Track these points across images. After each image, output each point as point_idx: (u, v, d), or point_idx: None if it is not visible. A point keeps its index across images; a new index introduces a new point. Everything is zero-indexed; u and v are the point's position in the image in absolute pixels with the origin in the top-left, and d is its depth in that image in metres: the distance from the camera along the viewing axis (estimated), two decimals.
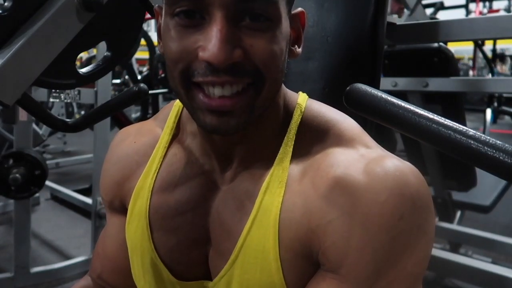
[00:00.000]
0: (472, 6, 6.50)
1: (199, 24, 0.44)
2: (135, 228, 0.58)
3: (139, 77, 3.71)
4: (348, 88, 0.58)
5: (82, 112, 5.01)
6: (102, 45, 0.98)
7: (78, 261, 2.28)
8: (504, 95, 3.15)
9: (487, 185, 2.31)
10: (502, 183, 2.34)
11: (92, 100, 2.24)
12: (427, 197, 0.46)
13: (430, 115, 0.53)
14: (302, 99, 0.56)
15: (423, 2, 1.88)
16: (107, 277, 0.65)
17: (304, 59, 0.94)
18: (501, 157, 0.47)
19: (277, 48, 0.46)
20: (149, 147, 0.60)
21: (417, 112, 0.53)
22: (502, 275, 1.59)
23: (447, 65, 1.93)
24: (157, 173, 0.58)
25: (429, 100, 2.05)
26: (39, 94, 2.12)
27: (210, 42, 0.42)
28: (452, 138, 0.50)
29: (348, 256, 0.44)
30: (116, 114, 2.64)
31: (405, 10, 1.91)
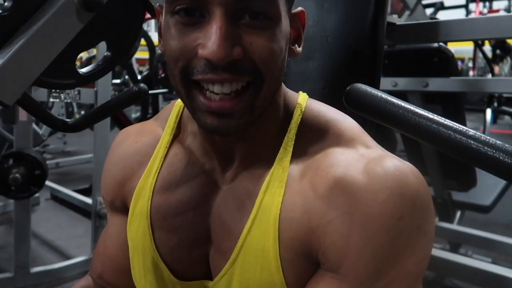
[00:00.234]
0: (472, 6, 6.50)
1: (199, 22, 0.44)
2: (136, 228, 0.58)
3: (139, 77, 3.71)
4: (348, 88, 0.58)
5: (82, 112, 5.01)
6: (102, 45, 0.98)
7: (78, 261, 2.28)
8: (504, 95, 3.15)
9: (487, 185, 2.31)
10: (502, 183, 2.34)
11: (92, 100, 2.24)
12: (427, 197, 0.46)
13: (430, 115, 0.53)
14: (302, 99, 0.56)
15: (423, 2, 1.88)
16: (108, 277, 0.65)
17: (304, 59, 0.94)
18: (501, 157, 0.47)
19: (276, 46, 0.46)
20: (150, 147, 0.60)
21: (417, 112, 0.53)
22: (502, 275, 1.59)
23: (447, 65, 1.93)
24: (158, 173, 0.58)
25: (429, 100, 2.05)
26: (39, 94, 2.12)
27: (210, 39, 0.42)
28: (452, 138, 0.50)
29: (348, 255, 0.44)
30: (116, 114, 2.64)
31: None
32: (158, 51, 3.41)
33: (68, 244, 2.64)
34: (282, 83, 0.54)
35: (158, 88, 3.47)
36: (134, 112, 5.09)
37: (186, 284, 0.56)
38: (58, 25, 0.76)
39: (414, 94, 2.01)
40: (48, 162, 2.44)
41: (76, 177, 4.17)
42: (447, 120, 0.52)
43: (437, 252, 1.78)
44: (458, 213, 2.56)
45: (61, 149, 5.24)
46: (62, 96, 2.11)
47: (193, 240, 0.55)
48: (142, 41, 3.40)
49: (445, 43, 2.02)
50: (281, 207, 0.49)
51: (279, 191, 0.50)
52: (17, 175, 1.94)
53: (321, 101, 0.58)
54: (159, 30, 0.51)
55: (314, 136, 0.52)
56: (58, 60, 0.77)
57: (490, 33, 1.25)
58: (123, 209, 0.62)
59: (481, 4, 6.65)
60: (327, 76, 0.94)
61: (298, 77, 0.95)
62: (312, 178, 0.49)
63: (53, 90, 2.04)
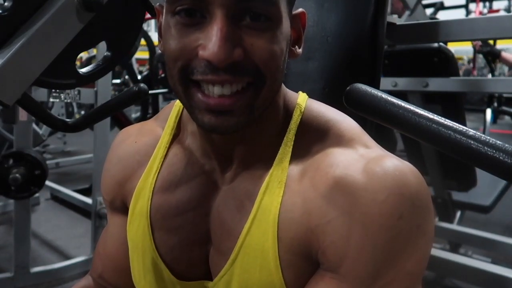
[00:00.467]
0: (472, 6, 6.49)
1: (199, 22, 0.44)
2: (136, 228, 0.58)
3: (139, 77, 3.71)
4: (348, 88, 0.58)
5: (82, 112, 5.01)
6: (102, 45, 0.98)
7: (78, 261, 2.28)
8: (504, 95, 3.15)
9: (487, 185, 2.31)
10: (502, 183, 2.34)
11: (92, 100, 2.24)
12: (427, 197, 0.46)
13: (430, 115, 0.53)
14: (302, 99, 0.56)
15: (423, 2, 1.88)
16: (108, 277, 0.65)
17: (304, 59, 0.94)
18: (501, 157, 0.47)
19: (277, 48, 0.46)
20: (150, 147, 0.60)
21: (417, 112, 0.53)
22: (502, 275, 1.59)
23: (447, 65, 1.93)
24: (158, 173, 0.58)
25: (429, 100, 2.05)
26: (39, 94, 2.12)
27: (211, 40, 0.42)
28: (452, 138, 0.50)
29: (347, 255, 0.45)
30: (116, 114, 2.64)
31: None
32: (158, 51, 3.41)
33: (68, 244, 2.64)
34: (282, 84, 0.54)
35: (158, 88, 3.47)
36: (134, 112, 5.09)
37: (186, 284, 0.56)
38: (58, 25, 0.76)
39: (414, 94, 2.01)
40: (48, 162, 2.44)
41: (76, 177, 4.17)
42: (447, 120, 0.52)
43: (437, 252, 1.78)
44: (458, 213, 2.56)
45: (61, 149, 5.24)
46: (62, 96, 2.11)
47: (193, 240, 0.55)
48: (142, 41, 3.40)
49: (445, 43, 2.02)
50: (281, 207, 0.49)
51: (278, 192, 0.50)
52: (17, 175, 1.94)
53: (321, 101, 0.58)
54: (159, 30, 0.51)
55: (313, 136, 0.52)
56: (58, 60, 0.77)
57: (490, 33, 1.25)
58: (123, 209, 0.62)
59: (481, 4, 6.64)
60: (327, 76, 0.94)
61: (298, 77, 0.95)
62: (312, 178, 0.49)
63: (53, 90, 2.04)
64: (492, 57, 3.00)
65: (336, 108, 0.57)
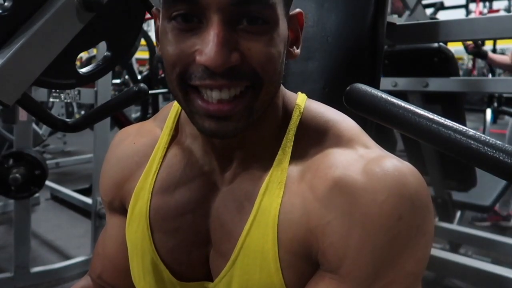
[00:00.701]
0: (472, 6, 6.49)
1: (196, 27, 0.44)
2: (135, 229, 0.58)
3: (139, 77, 3.71)
4: (348, 88, 0.58)
5: (82, 112, 5.01)
6: (102, 45, 0.98)
7: (78, 261, 2.28)
8: (504, 95, 3.15)
9: (487, 185, 2.32)
10: (502, 183, 2.34)
11: (92, 100, 2.24)
12: (426, 197, 0.46)
13: (430, 115, 0.53)
14: (301, 100, 0.56)
15: (423, 2, 1.88)
16: (107, 277, 0.65)
17: (304, 59, 0.94)
18: (501, 157, 0.47)
19: (274, 50, 0.45)
20: (148, 148, 0.60)
21: (417, 112, 0.53)
22: (502, 275, 1.59)
23: (447, 65, 1.93)
24: (157, 174, 0.58)
25: (429, 100, 2.05)
26: (39, 94, 2.12)
27: (207, 46, 0.42)
28: (452, 138, 0.50)
29: (347, 256, 0.44)
30: (116, 114, 2.65)
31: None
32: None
33: (68, 244, 2.64)
34: (281, 85, 0.54)
35: (158, 88, 3.48)
36: (134, 112, 5.09)
37: (186, 285, 0.56)
38: (58, 25, 0.76)
39: (414, 94, 2.01)
40: (48, 162, 2.44)
41: (76, 177, 4.17)
42: (447, 120, 0.52)
43: (437, 252, 1.78)
44: (458, 213, 2.56)
45: (61, 149, 5.24)
46: (62, 96, 2.11)
47: (193, 242, 0.55)
48: (142, 41, 3.40)
49: (445, 43, 2.02)
50: (280, 208, 0.49)
51: (278, 193, 0.50)
52: (17, 175, 1.94)
53: (321, 101, 0.58)
54: (156, 34, 0.51)
55: (313, 137, 0.52)
56: (58, 60, 0.77)
57: (490, 33, 1.25)
58: (122, 210, 0.62)
59: (481, 4, 6.64)
60: (327, 76, 0.94)
61: (298, 77, 0.95)
62: (311, 179, 0.49)
63: (53, 90, 2.04)
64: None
65: (336, 108, 0.56)
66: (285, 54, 0.49)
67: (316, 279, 0.48)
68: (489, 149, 0.48)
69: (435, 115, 0.53)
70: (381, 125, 0.60)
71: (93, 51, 3.64)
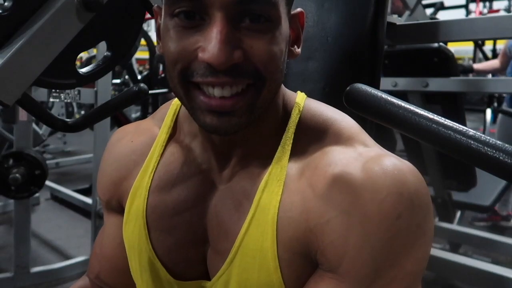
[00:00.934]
0: (472, 6, 6.49)
1: (199, 25, 0.44)
2: (132, 227, 0.58)
3: (139, 77, 3.71)
4: (348, 88, 0.58)
5: (82, 112, 5.01)
6: (102, 45, 0.98)
7: (78, 261, 2.28)
8: (504, 95, 3.15)
9: (487, 185, 2.32)
10: (502, 183, 2.34)
11: (92, 100, 2.24)
12: (426, 196, 0.46)
13: (430, 115, 0.53)
14: (300, 98, 0.56)
15: (423, 2, 1.88)
16: (105, 277, 0.65)
17: (304, 59, 0.94)
18: (501, 157, 0.47)
19: (276, 49, 0.46)
20: (146, 146, 0.60)
21: (417, 112, 0.53)
22: (502, 275, 1.59)
23: (447, 65, 1.93)
24: (154, 172, 0.57)
25: (429, 100, 2.06)
26: (39, 94, 2.12)
27: (210, 43, 0.42)
28: (452, 138, 0.50)
29: (347, 255, 0.44)
30: (116, 114, 2.65)
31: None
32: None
33: (68, 244, 2.64)
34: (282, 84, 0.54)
35: (158, 88, 3.47)
36: (134, 112, 5.09)
37: (183, 284, 0.56)
38: (58, 25, 0.76)
39: (414, 94, 2.01)
40: (48, 162, 2.44)
41: (76, 177, 4.17)
42: (447, 120, 0.52)
43: (437, 252, 1.78)
44: (458, 213, 2.56)
45: (61, 149, 5.24)
46: (62, 96, 2.11)
47: (190, 240, 0.55)
48: (142, 41, 3.40)
49: (445, 43, 2.02)
50: (279, 206, 0.49)
51: (277, 190, 0.50)
52: (17, 175, 1.94)
53: (321, 101, 0.58)
54: (158, 32, 0.51)
55: (312, 135, 0.52)
56: (58, 60, 0.77)
57: (490, 33, 1.25)
58: (120, 209, 0.62)
59: (481, 4, 6.63)
60: (327, 76, 0.94)
61: (298, 77, 0.95)
62: (311, 177, 0.49)
63: (53, 90, 2.04)
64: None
65: (336, 108, 0.57)
66: (287, 53, 0.49)
67: (316, 278, 0.47)
68: (489, 149, 0.48)
69: (435, 115, 0.53)
70: (381, 125, 0.60)
71: (93, 51, 3.64)
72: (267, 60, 0.45)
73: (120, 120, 2.83)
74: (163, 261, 0.56)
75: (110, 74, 2.28)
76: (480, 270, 1.64)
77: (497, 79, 2.80)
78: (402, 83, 1.87)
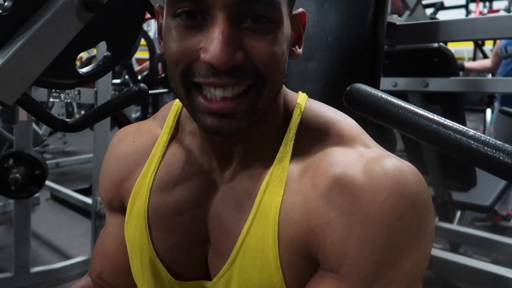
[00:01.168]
0: (472, 6, 6.49)
1: (200, 25, 0.44)
2: (133, 227, 0.58)
3: (139, 77, 3.70)
4: (348, 88, 0.58)
5: (82, 112, 5.00)
6: (102, 45, 0.98)
7: (78, 261, 2.27)
8: (496, 94, 3.15)
9: (487, 185, 2.31)
10: (502, 183, 2.34)
11: (92, 100, 2.24)
12: (427, 196, 0.46)
13: (430, 115, 0.53)
14: (301, 99, 0.56)
15: (423, 2, 1.88)
16: (107, 277, 0.65)
17: (304, 59, 0.94)
18: (501, 157, 0.47)
19: (278, 50, 0.46)
20: (148, 147, 0.60)
21: (417, 112, 0.53)
22: (502, 275, 1.59)
23: (447, 65, 1.93)
24: (155, 173, 0.58)
25: (429, 100, 2.06)
26: (39, 94, 2.12)
27: (212, 43, 0.42)
28: (452, 138, 0.50)
29: (347, 256, 0.44)
30: (116, 114, 2.64)
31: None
32: (158, 51, 3.41)
33: (68, 244, 2.64)
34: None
35: (158, 88, 3.47)
36: (134, 112, 5.09)
37: (184, 284, 0.56)
38: (58, 25, 0.76)
39: (414, 94, 2.01)
40: (48, 162, 2.44)
41: (76, 177, 4.17)
42: (447, 120, 0.52)
43: (437, 252, 1.78)
44: (458, 213, 2.56)
45: (61, 149, 5.24)
46: (62, 96, 2.11)
47: (191, 241, 0.55)
48: (142, 41, 3.40)
49: (445, 43, 2.02)
50: (281, 207, 0.49)
51: (278, 191, 0.50)
52: (17, 175, 1.93)
53: (321, 101, 0.58)
54: (159, 31, 0.51)
55: (313, 136, 0.52)
56: (58, 60, 0.77)
57: (490, 33, 1.25)
58: (121, 209, 0.62)
59: (481, 4, 6.63)
60: (327, 76, 0.94)
61: (298, 77, 0.95)
62: (312, 178, 0.49)
63: (53, 90, 2.04)
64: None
65: (336, 108, 0.57)
66: (288, 53, 0.49)
67: (317, 278, 0.47)
68: (489, 149, 0.47)
69: (435, 115, 0.52)
70: (381, 125, 0.60)
71: (93, 51, 3.64)
72: (269, 61, 0.45)
73: (120, 120, 2.82)
74: (164, 261, 0.56)
75: (110, 74, 2.28)
76: (480, 270, 1.64)
77: (497, 79, 2.80)
78: (402, 83, 1.87)
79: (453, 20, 1.27)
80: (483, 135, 0.49)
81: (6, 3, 0.72)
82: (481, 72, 3.36)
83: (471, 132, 0.49)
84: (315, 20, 0.94)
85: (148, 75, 3.69)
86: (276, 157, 0.52)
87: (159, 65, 3.43)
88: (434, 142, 0.52)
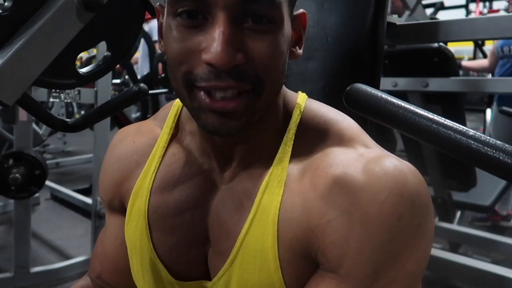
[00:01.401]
0: (472, 6, 6.49)
1: (201, 24, 0.44)
2: (134, 228, 0.58)
3: (139, 77, 3.70)
4: (348, 88, 0.58)
5: (82, 112, 5.00)
6: (102, 45, 0.98)
7: (78, 261, 2.27)
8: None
9: (487, 185, 2.31)
10: (502, 183, 2.34)
11: (92, 100, 2.24)
12: (426, 197, 0.46)
13: (430, 115, 0.53)
14: (301, 99, 0.56)
15: (423, 2, 1.88)
16: (107, 277, 0.65)
17: (304, 59, 0.94)
18: (501, 157, 0.47)
19: (278, 51, 0.46)
20: (148, 147, 0.60)
21: (417, 112, 0.53)
22: (502, 275, 1.59)
23: (447, 65, 1.93)
24: (156, 173, 0.58)
25: (429, 100, 2.06)
26: (39, 94, 2.12)
27: (213, 44, 0.42)
28: (452, 138, 0.50)
29: (347, 256, 0.44)
30: (116, 114, 2.64)
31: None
32: (158, 51, 3.41)
33: (68, 244, 2.64)
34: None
35: (158, 88, 3.47)
36: (134, 112, 5.09)
37: (184, 284, 0.56)
38: (58, 25, 0.76)
39: (414, 94, 2.01)
40: (48, 162, 2.44)
41: (76, 177, 4.17)
42: (447, 120, 0.52)
43: (437, 252, 1.78)
44: (458, 213, 2.56)
45: (61, 149, 5.24)
46: (62, 96, 2.11)
47: (191, 241, 0.55)
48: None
49: (445, 43, 2.02)
50: (280, 207, 0.49)
51: (278, 191, 0.50)
52: (17, 175, 1.93)
53: (321, 101, 0.58)
54: (160, 30, 0.51)
55: (313, 136, 0.52)
56: (58, 60, 0.77)
57: (490, 33, 1.25)
58: (121, 209, 0.62)
59: (481, 4, 6.63)
60: (327, 76, 0.94)
61: (298, 77, 0.95)
62: (311, 178, 0.49)
63: (53, 90, 2.04)
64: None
65: (336, 108, 0.57)
66: (288, 54, 0.49)
67: (316, 278, 0.47)
68: (489, 149, 0.48)
69: (435, 115, 0.53)
70: (381, 125, 0.60)
71: (93, 51, 3.64)
72: (269, 61, 0.45)
73: (120, 120, 2.82)
74: (164, 261, 0.56)
75: (110, 74, 2.28)
76: (480, 270, 1.64)
77: (497, 79, 2.80)
78: (402, 83, 1.87)
79: (453, 20, 1.27)
80: (483, 135, 0.49)
81: (6, 3, 0.72)
82: (479, 71, 3.36)
83: (471, 132, 0.50)
84: (315, 20, 0.94)
85: (148, 75, 3.69)
86: (276, 157, 0.52)
87: (159, 65, 3.43)
88: (434, 142, 0.52)
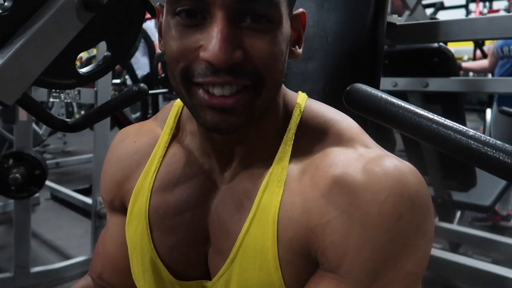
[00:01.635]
0: (472, 6, 6.49)
1: (200, 23, 0.44)
2: (134, 228, 0.58)
3: (139, 77, 3.70)
4: (348, 88, 0.58)
5: (82, 112, 5.00)
6: (102, 45, 0.98)
7: (78, 261, 2.28)
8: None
9: (487, 185, 2.31)
10: (502, 183, 2.34)
11: (92, 100, 2.24)
12: (426, 197, 0.46)
13: (430, 115, 0.53)
14: (301, 99, 0.56)
15: (423, 2, 1.88)
16: (107, 277, 0.65)
17: (304, 59, 0.94)
18: (501, 157, 0.47)
19: (277, 49, 0.46)
20: (149, 147, 0.60)
21: (417, 112, 0.53)
22: (502, 275, 1.59)
23: (447, 65, 1.93)
24: (156, 173, 0.58)
25: (429, 100, 2.06)
26: (39, 94, 2.11)
27: (211, 42, 0.42)
28: (452, 138, 0.50)
29: (347, 255, 0.45)
30: (116, 114, 2.65)
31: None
32: (158, 51, 3.41)
33: (68, 244, 2.64)
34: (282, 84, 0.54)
35: (158, 88, 3.47)
36: (134, 112, 5.08)
37: (185, 284, 0.56)
38: (58, 25, 0.76)
39: (414, 94, 2.01)
40: (48, 162, 2.44)
41: (76, 177, 4.17)
42: (447, 120, 0.52)
43: (437, 252, 1.78)
44: (458, 213, 2.56)
45: (61, 149, 5.24)
46: (62, 96, 2.11)
47: (192, 240, 0.55)
48: None
49: (445, 43, 2.02)
50: (280, 206, 0.49)
51: (278, 191, 0.50)
52: (17, 175, 1.93)
53: (321, 101, 0.58)
54: (159, 30, 0.51)
55: (313, 136, 0.52)
56: (58, 60, 0.77)
57: (490, 33, 1.25)
58: (122, 209, 0.62)
59: (481, 4, 6.63)
60: (327, 76, 0.94)
61: (298, 77, 0.95)
62: (311, 178, 0.49)
63: (53, 90, 2.04)
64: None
65: (336, 108, 0.57)
66: (288, 53, 0.49)
67: (316, 278, 0.48)
68: (489, 149, 0.48)
69: (435, 115, 0.53)
70: (381, 125, 0.60)
71: (93, 51, 3.64)
72: (267, 60, 0.45)
73: (120, 120, 2.83)
74: (164, 261, 0.56)
75: (110, 74, 2.28)
76: (480, 270, 1.64)
77: (497, 79, 2.80)
78: (402, 83, 1.87)
79: (453, 20, 1.27)
80: (483, 135, 0.49)
81: (6, 3, 0.72)
82: (479, 72, 3.36)
83: (471, 132, 0.50)
84: (315, 20, 0.94)
85: (148, 75, 3.69)
86: (276, 157, 0.52)
87: (159, 65, 3.43)
88: (434, 142, 0.52)
